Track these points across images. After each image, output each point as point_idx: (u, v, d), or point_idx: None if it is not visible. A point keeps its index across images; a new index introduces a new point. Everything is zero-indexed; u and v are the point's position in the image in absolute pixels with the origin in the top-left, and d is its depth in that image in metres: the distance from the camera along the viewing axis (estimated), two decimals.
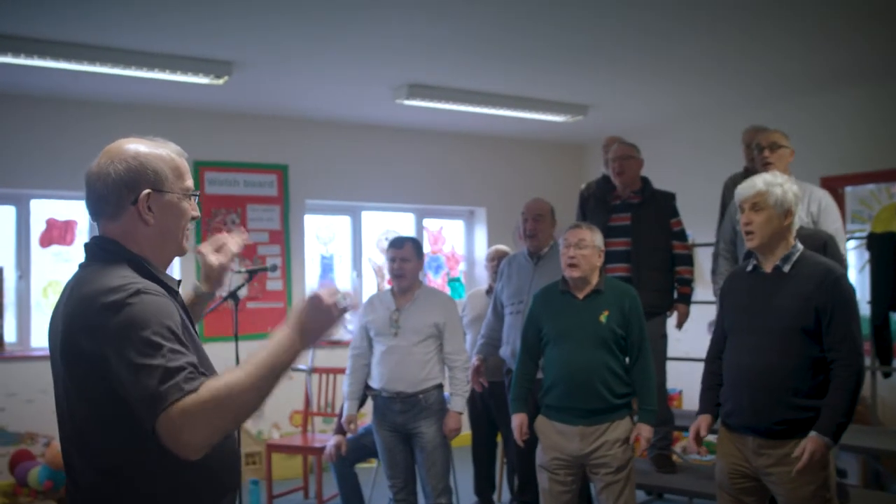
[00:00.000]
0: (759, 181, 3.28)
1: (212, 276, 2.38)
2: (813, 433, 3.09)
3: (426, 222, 8.59)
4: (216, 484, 1.94)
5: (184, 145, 2.07)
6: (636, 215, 5.05)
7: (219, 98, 6.62)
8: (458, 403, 4.58)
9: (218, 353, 7.94)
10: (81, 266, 1.96)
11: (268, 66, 5.86)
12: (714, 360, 3.51)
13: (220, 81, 5.85)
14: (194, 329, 2.00)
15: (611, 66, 5.97)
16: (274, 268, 4.95)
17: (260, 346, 1.82)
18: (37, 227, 6.80)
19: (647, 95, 6.89)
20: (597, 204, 5.27)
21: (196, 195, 2.04)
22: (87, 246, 1.96)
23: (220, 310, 5.44)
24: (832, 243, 3.89)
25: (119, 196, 1.90)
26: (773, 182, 3.26)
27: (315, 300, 1.86)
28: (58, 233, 6.88)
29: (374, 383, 4.63)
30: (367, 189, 7.97)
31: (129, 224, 1.92)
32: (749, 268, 3.38)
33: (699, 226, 6.77)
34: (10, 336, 6.54)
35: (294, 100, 6.88)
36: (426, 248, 8.25)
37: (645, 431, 3.86)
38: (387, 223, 8.38)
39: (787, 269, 3.24)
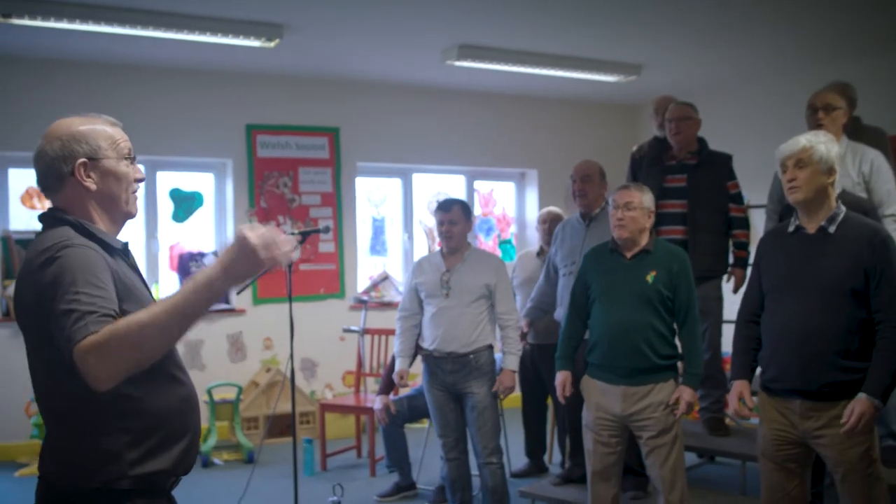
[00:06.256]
0: (802, 138, 3.23)
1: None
2: (862, 395, 3.05)
3: (477, 184, 8.54)
4: (169, 427, 2.07)
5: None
6: (692, 177, 4.94)
7: (270, 61, 6.64)
8: (511, 362, 4.60)
9: (272, 314, 7.98)
10: (36, 235, 2.11)
11: (319, 29, 5.86)
12: (748, 324, 3.44)
13: (272, 45, 5.87)
14: (145, 285, 2.17)
15: (665, 25, 5.86)
16: (326, 230, 4.99)
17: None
18: None
19: (702, 55, 6.74)
20: (651, 164, 5.17)
21: (134, 158, 2.19)
22: (39, 217, 2.13)
23: (274, 272, 5.52)
24: (873, 214, 3.80)
25: (58, 170, 2.07)
26: (816, 140, 3.22)
27: (242, 240, 1.86)
28: None
29: (426, 344, 4.67)
30: (417, 151, 7.97)
31: (71, 193, 2.09)
32: (791, 228, 3.30)
33: (754, 188, 6.65)
34: None
35: (345, 62, 6.88)
36: (477, 211, 8.26)
37: (686, 395, 3.80)
38: (438, 185, 8.37)
39: (832, 229, 3.18)
